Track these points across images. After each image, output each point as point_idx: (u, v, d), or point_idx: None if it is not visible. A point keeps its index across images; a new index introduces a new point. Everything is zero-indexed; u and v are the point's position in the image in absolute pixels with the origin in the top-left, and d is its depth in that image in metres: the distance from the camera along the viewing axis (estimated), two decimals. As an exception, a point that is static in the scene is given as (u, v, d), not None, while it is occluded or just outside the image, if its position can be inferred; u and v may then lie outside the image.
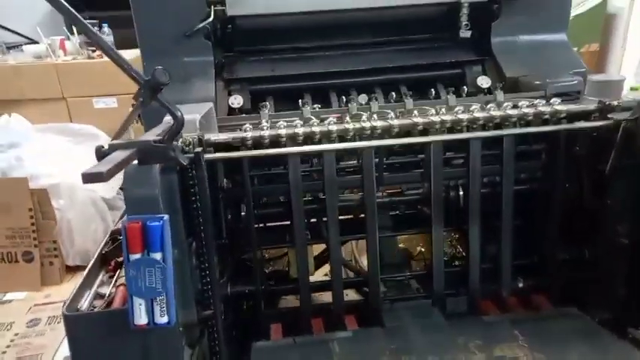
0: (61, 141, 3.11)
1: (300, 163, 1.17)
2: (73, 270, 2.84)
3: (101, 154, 0.83)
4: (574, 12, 3.20)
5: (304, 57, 1.64)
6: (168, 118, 0.97)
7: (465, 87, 1.45)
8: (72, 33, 3.76)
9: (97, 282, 1.11)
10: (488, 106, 1.21)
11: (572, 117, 1.22)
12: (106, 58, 3.61)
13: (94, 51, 3.61)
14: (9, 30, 4.27)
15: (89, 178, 0.71)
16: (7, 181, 2.68)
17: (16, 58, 3.66)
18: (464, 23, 1.59)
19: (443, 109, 1.22)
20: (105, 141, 3.41)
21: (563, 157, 1.24)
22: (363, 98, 1.47)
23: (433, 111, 1.21)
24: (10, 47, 3.98)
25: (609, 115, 1.17)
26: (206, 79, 1.48)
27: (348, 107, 1.28)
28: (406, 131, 1.15)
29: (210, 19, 1.48)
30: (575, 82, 1.45)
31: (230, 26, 1.60)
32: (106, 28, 3.82)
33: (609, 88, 2.71)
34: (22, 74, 3.63)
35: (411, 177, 1.29)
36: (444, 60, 1.60)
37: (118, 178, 0.86)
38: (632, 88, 2.65)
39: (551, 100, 1.23)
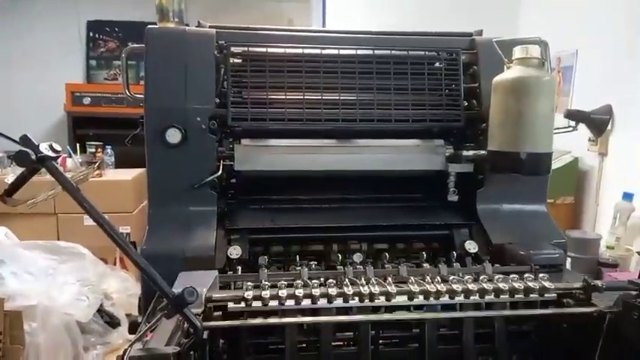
0: (46, 259, 3.08)
1: (296, 332, 1.19)
2: (34, 399, 2.63)
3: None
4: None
5: (302, 208, 1.74)
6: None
7: (454, 252, 1.53)
8: (75, 152, 3.92)
9: None
10: (481, 278, 1.27)
11: (559, 295, 1.29)
12: (103, 178, 3.72)
13: (94, 169, 3.73)
14: (13, 140, 4.39)
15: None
16: (-18, 302, 2.59)
17: (16, 171, 3.74)
18: (451, 189, 1.73)
19: (438, 278, 1.28)
20: (90, 261, 3.36)
21: (553, 338, 1.28)
22: (357, 257, 1.53)
23: (428, 278, 1.27)
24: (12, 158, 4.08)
25: (594, 304, 1.23)
26: (208, 228, 1.54)
27: (344, 270, 1.33)
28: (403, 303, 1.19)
29: (219, 173, 1.58)
30: (557, 255, 1.54)
31: (235, 177, 1.70)
32: (109, 149, 4.00)
33: (587, 246, 2.85)
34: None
35: (406, 353, 1.30)
36: (434, 221, 1.70)
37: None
38: (608, 247, 2.78)
39: (539, 276, 1.30)
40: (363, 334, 1.18)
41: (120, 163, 4.07)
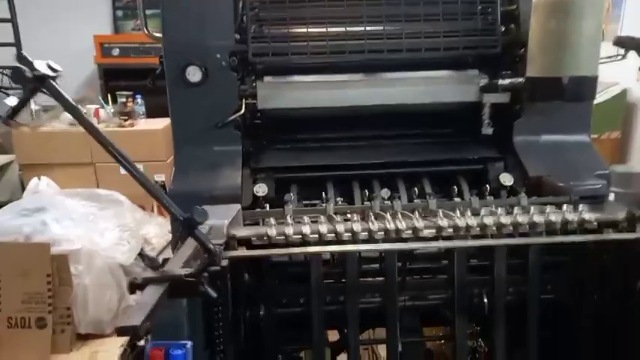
0: (86, 206, 3.18)
1: (321, 265, 1.17)
2: (83, 338, 2.80)
3: (134, 287, 0.86)
4: (595, 100, 3.26)
5: (328, 147, 1.69)
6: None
7: (487, 185, 1.46)
8: (107, 103, 3.95)
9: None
10: (515, 212, 1.21)
11: (600, 226, 1.22)
12: (135, 128, 3.75)
13: (125, 120, 3.77)
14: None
15: (124, 331, 0.73)
16: (30, 247, 2.72)
17: (52, 123, 3.83)
18: (486, 121, 1.63)
19: (468, 211, 1.22)
20: (128, 208, 3.46)
21: (591, 270, 1.22)
22: (385, 192, 1.49)
23: (458, 213, 1.22)
24: (47, 110, 4.17)
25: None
26: (233, 167, 1.53)
27: (371, 204, 1.30)
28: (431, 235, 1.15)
29: (242, 111, 1.55)
30: (600, 186, 1.45)
31: (259, 117, 1.66)
32: (139, 99, 4.01)
33: (632, 180, 2.71)
34: (54, 140, 3.79)
35: (434, 283, 1.28)
36: (467, 156, 1.62)
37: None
38: (655, 181, 2.63)
39: (579, 207, 1.23)
40: (389, 264, 1.15)
41: (151, 113, 4.10)
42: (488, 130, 1.65)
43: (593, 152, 1.62)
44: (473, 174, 1.63)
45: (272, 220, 1.20)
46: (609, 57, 1.81)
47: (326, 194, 1.52)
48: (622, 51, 1.97)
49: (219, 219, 1.06)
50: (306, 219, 1.19)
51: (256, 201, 1.50)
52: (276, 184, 1.57)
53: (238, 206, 1.24)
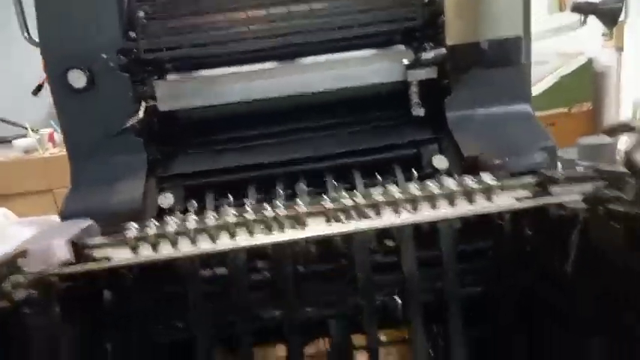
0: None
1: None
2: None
3: None
4: (560, 73, 3.12)
5: (248, 147, 1.54)
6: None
7: (416, 171, 1.30)
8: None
9: None
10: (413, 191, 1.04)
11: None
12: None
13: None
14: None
15: None
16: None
17: (5, 153, 3.70)
18: (414, 101, 1.48)
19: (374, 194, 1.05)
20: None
21: (511, 252, 1.06)
22: (301, 189, 1.34)
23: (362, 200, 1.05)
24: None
25: (566, 204, 0.99)
26: (135, 178, 1.37)
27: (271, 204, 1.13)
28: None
29: (139, 116, 1.39)
30: (539, 159, 1.29)
31: (167, 120, 1.51)
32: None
33: (599, 152, 2.54)
34: (10, 170, 3.66)
35: (338, 287, 1.11)
36: (398, 141, 1.47)
37: None
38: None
39: (482, 175, 1.07)
40: (284, 267, 0.99)
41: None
42: (419, 111, 1.49)
43: (534, 123, 1.46)
44: (408, 160, 1.47)
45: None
46: (570, 25, 1.67)
47: (246, 198, 1.38)
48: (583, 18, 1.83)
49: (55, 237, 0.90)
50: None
51: (162, 214, 1.34)
52: (187, 192, 1.42)
53: (89, 221, 1.08)
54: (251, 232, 0.99)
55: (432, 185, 1.03)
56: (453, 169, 1.38)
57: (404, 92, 1.50)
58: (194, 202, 1.30)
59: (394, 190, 1.03)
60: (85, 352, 0.97)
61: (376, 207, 0.99)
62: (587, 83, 3.07)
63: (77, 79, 1.33)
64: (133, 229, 1.02)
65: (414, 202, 0.99)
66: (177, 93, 1.45)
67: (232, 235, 1.01)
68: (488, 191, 1.01)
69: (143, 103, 1.42)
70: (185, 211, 1.33)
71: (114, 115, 1.38)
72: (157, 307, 1.09)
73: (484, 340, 1.08)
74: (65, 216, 1.31)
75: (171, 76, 1.49)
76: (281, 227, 0.99)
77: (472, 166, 1.35)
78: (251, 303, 1.01)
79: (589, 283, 0.90)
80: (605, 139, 2.51)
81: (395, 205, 0.98)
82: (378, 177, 1.37)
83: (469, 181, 1.04)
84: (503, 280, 1.07)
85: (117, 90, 1.38)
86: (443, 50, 1.39)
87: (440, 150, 1.45)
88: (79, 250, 0.93)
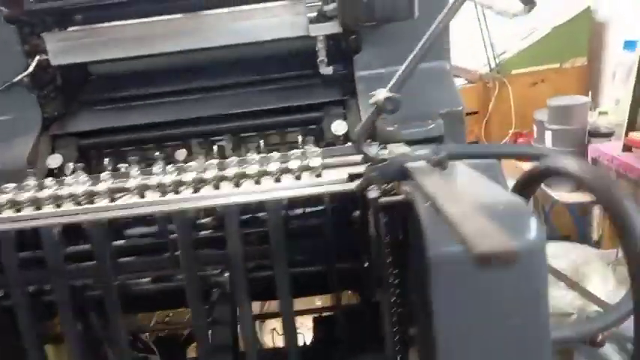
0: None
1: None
2: None
3: None
4: (554, 23, 2.85)
5: (154, 104, 1.48)
6: None
7: (304, 137, 1.23)
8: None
9: None
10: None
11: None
12: None
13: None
14: None
15: None
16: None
17: None
18: (320, 59, 1.37)
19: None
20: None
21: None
22: (180, 154, 1.28)
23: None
24: None
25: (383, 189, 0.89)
26: (26, 137, 1.34)
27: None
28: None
29: (28, 71, 1.35)
30: (433, 125, 1.18)
31: (71, 75, 1.46)
32: None
33: (571, 114, 2.37)
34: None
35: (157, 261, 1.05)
36: (300, 102, 1.38)
37: None
38: (601, 113, 2.27)
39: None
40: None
41: None
42: (326, 70, 1.39)
43: (447, 84, 1.34)
44: (310, 123, 1.38)
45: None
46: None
47: (144, 159, 1.34)
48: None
49: None
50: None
51: (52, 176, 1.31)
52: (82, 152, 1.38)
53: None
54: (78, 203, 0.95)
55: (255, 160, 0.98)
56: (352, 137, 1.29)
57: (314, 51, 1.40)
58: (71, 164, 1.26)
59: (228, 164, 0.97)
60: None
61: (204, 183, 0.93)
62: (583, 35, 2.80)
63: (-46, 31, 1.29)
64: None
65: (236, 179, 0.93)
66: (71, 46, 1.39)
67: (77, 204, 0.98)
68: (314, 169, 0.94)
69: (37, 58, 1.37)
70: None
71: (3, 70, 1.34)
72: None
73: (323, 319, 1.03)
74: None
75: (69, 29, 1.42)
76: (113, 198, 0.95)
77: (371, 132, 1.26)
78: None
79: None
80: (578, 100, 2.30)
81: (218, 181, 0.92)
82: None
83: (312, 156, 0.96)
84: (330, 258, 1.01)
85: (3, 43, 1.33)
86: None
87: (344, 114, 1.35)
88: None
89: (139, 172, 1.02)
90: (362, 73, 1.35)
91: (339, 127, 1.32)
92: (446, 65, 1.35)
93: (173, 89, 1.51)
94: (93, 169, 1.36)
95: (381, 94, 0.86)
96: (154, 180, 0.96)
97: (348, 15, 1.19)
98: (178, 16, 1.40)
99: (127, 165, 1.12)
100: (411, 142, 1.16)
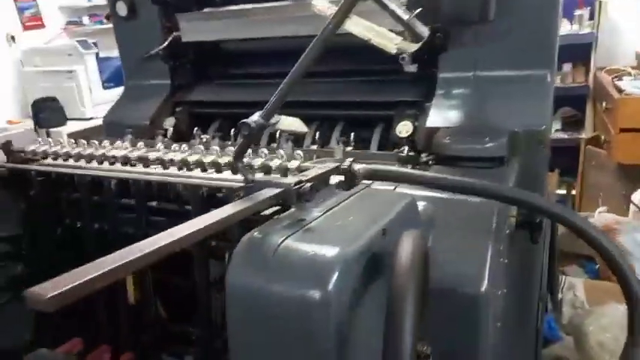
0: None
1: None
2: None
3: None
4: None
5: (261, 84, 1.59)
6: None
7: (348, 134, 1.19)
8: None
9: None
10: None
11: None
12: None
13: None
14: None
15: None
16: None
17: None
18: (401, 56, 1.27)
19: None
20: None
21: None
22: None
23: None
24: None
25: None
26: (155, 100, 1.60)
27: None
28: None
29: (164, 45, 1.59)
30: (491, 144, 1.00)
31: (204, 51, 1.66)
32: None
33: None
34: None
35: None
36: (382, 99, 1.32)
37: None
38: None
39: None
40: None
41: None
42: (410, 67, 1.28)
43: (540, 96, 1.10)
44: (385, 121, 1.32)
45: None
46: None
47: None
48: None
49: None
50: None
51: (166, 135, 1.55)
52: (192, 118, 1.58)
53: None
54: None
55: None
56: (416, 140, 1.19)
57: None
58: (197, 129, 1.44)
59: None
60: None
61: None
62: None
63: (121, 8, 1.59)
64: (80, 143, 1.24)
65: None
66: (200, 26, 1.58)
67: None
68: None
69: (172, 34, 1.60)
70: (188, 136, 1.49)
71: (148, 43, 1.61)
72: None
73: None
74: (104, 123, 1.66)
75: (202, 11, 1.61)
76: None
77: (429, 139, 1.14)
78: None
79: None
80: None
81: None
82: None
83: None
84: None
85: (150, 20, 1.59)
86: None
87: (416, 115, 1.24)
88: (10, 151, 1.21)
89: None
90: (445, 75, 1.22)
91: (403, 128, 1.22)
92: (546, 75, 1.11)
93: (278, 71, 1.59)
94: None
95: (254, 117, 0.85)
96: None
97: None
98: (298, 3, 1.45)
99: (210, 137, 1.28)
100: (466, 159, 1.02)
